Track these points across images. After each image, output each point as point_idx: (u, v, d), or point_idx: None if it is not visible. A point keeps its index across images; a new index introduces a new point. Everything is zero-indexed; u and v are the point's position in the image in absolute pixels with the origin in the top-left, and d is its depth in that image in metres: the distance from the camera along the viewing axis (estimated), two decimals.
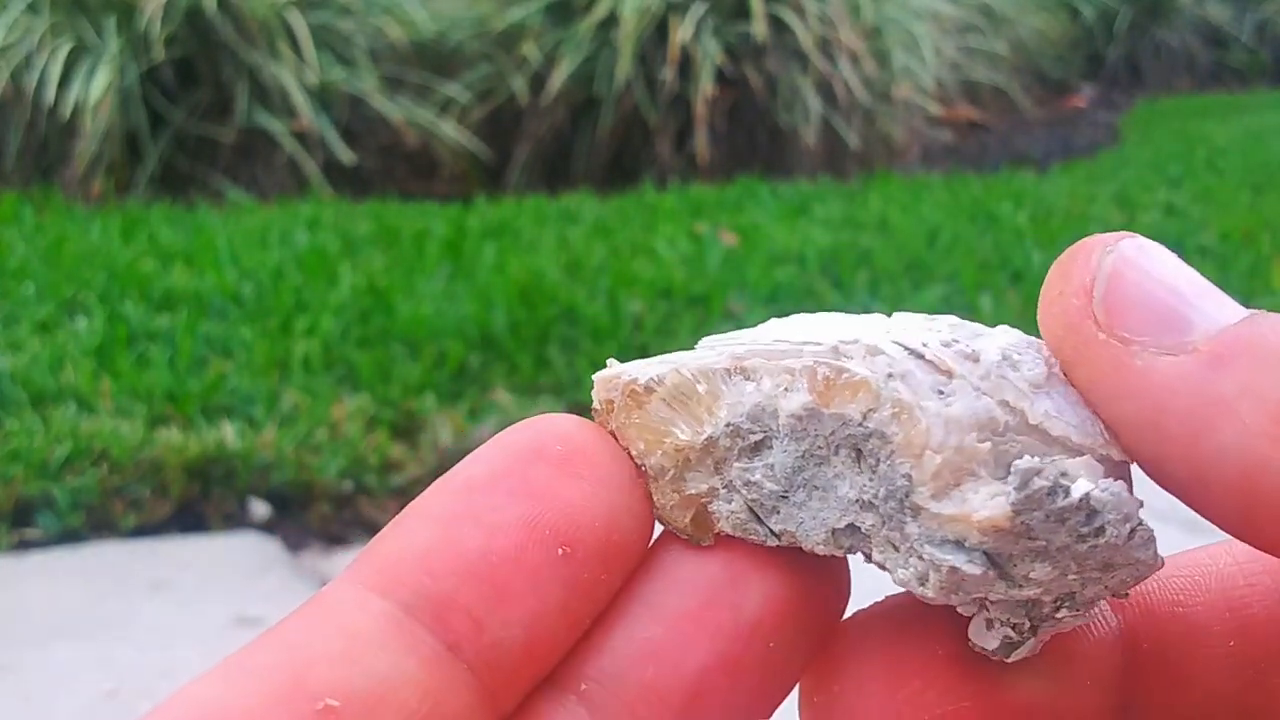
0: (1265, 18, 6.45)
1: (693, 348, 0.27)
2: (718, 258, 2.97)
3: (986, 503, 0.24)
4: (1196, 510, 0.24)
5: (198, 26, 3.82)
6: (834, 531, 0.25)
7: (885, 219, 3.37)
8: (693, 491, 0.26)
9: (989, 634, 0.26)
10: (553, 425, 0.26)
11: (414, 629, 0.24)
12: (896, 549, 0.25)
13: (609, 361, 0.27)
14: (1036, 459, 0.24)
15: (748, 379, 0.26)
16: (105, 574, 1.85)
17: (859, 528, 0.25)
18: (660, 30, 4.06)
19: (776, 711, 0.26)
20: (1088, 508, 0.24)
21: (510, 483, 0.25)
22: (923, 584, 0.25)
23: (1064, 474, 0.24)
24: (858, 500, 0.25)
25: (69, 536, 1.93)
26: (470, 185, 4.11)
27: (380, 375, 2.33)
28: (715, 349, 0.27)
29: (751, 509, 0.26)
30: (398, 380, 2.31)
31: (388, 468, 2.07)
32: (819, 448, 0.25)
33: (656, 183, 4.00)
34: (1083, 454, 0.24)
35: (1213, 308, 0.24)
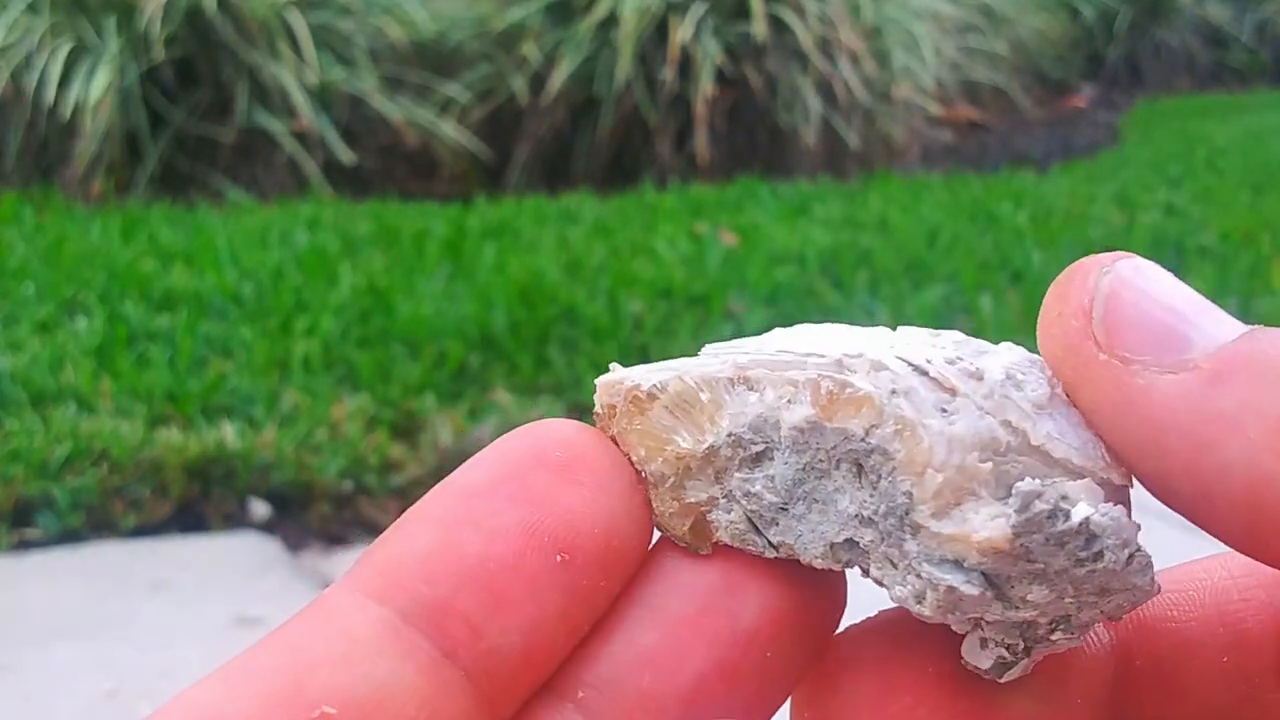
0: (1265, 18, 6.45)
1: (696, 354, 0.27)
2: (718, 258, 2.97)
3: (987, 524, 0.24)
4: (1202, 527, 0.24)
5: (198, 26, 3.82)
6: (832, 546, 0.25)
7: (885, 219, 3.37)
8: (692, 500, 0.26)
9: (982, 653, 0.26)
10: (553, 430, 0.26)
11: (411, 635, 0.24)
12: (894, 566, 0.25)
13: (611, 366, 0.27)
14: (1037, 481, 0.24)
15: (751, 389, 0.26)
16: (105, 574, 1.85)
17: (857, 543, 0.25)
18: (660, 30, 4.06)
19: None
20: (1087, 532, 0.24)
21: (509, 489, 0.25)
22: (919, 602, 0.25)
23: (1064, 497, 0.24)
24: (857, 516, 0.25)
25: (69, 536, 1.93)
26: (470, 185, 4.11)
27: (380, 375, 2.33)
28: (719, 357, 0.26)
29: (750, 520, 0.26)
30: (398, 380, 2.31)
31: (388, 468, 2.07)
32: (820, 461, 0.25)
33: (656, 183, 4.00)
34: (1084, 477, 0.24)
35: (1211, 325, 0.24)
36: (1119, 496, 0.25)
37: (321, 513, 2.01)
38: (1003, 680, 0.26)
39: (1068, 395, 0.25)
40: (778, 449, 0.25)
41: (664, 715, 0.25)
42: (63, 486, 1.97)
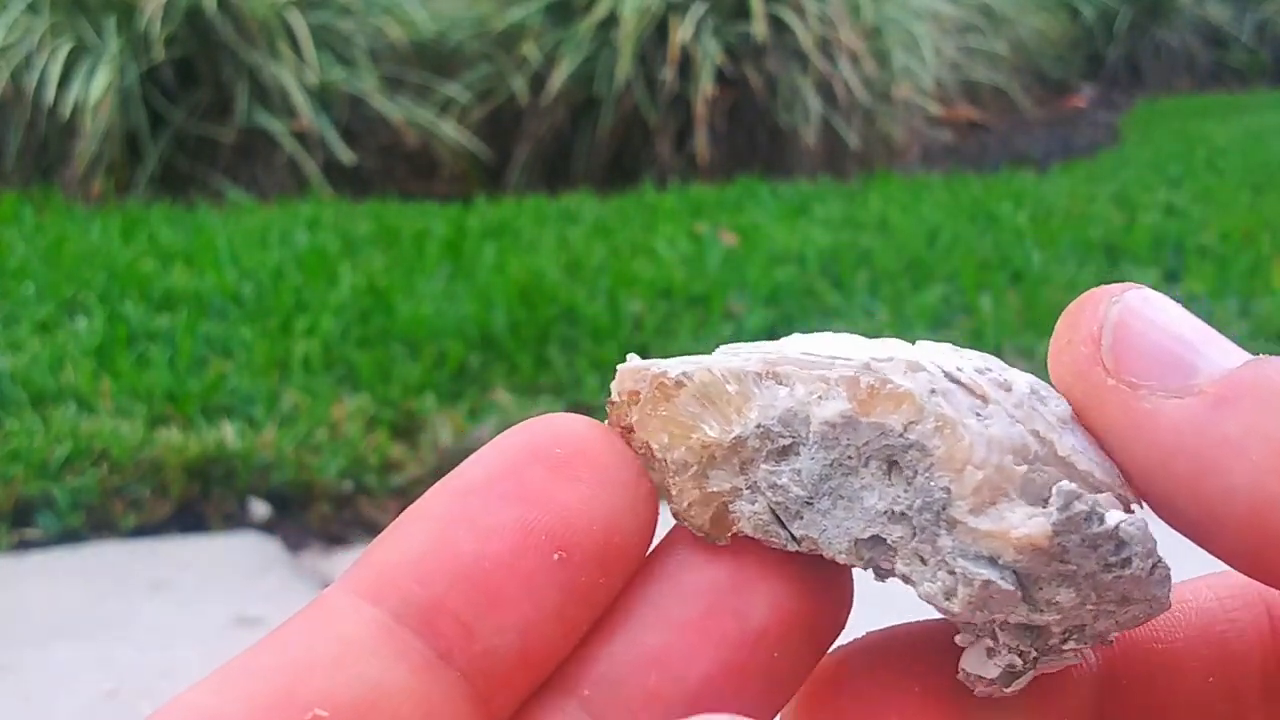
0: (1265, 18, 6.45)
1: (699, 354, 0.27)
2: (718, 258, 2.97)
3: (1025, 521, 0.24)
4: (1206, 548, 0.25)
5: (198, 26, 3.82)
6: (857, 542, 0.25)
7: (885, 219, 3.37)
8: (715, 489, 0.26)
9: (989, 662, 0.26)
10: (551, 426, 0.26)
11: (404, 636, 0.24)
12: (924, 562, 0.25)
13: (629, 356, 0.27)
14: (1075, 484, 0.24)
15: (780, 383, 0.26)
16: (105, 574, 1.85)
17: (884, 539, 0.25)
18: (660, 30, 4.06)
19: None
20: (1117, 538, 0.24)
21: (506, 486, 0.25)
22: (949, 599, 0.25)
23: (1098, 503, 0.24)
24: (886, 512, 0.25)
25: (69, 536, 1.93)
26: (470, 185, 4.11)
27: (380, 375, 2.33)
28: (740, 355, 0.26)
29: (774, 512, 0.26)
30: (398, 380, 2.31)
31: (388, 468, 2.07)
32: (849, 458, 0.25)
33: (656, 183, 4.00)
34: (1103, 491, 0.25)
35: (1217, 353, 0.25)
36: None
37: (321, 513, 2.01)
38: (1008, 690, 0.26)
39: (1078, 419, 0.26)
40: (804, 444, 0.25)
41: (669, 715, 0.25)
42: (63, 486, 1.97)
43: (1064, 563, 0.24)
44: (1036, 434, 0.25)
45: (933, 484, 0.24)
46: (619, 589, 0.25)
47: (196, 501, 2.02)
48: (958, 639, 0.26)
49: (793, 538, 0.26)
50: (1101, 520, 0.24)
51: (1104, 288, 0.26)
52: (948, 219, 3.36)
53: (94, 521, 1.96)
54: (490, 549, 0.24)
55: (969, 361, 0.26)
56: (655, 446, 0.26)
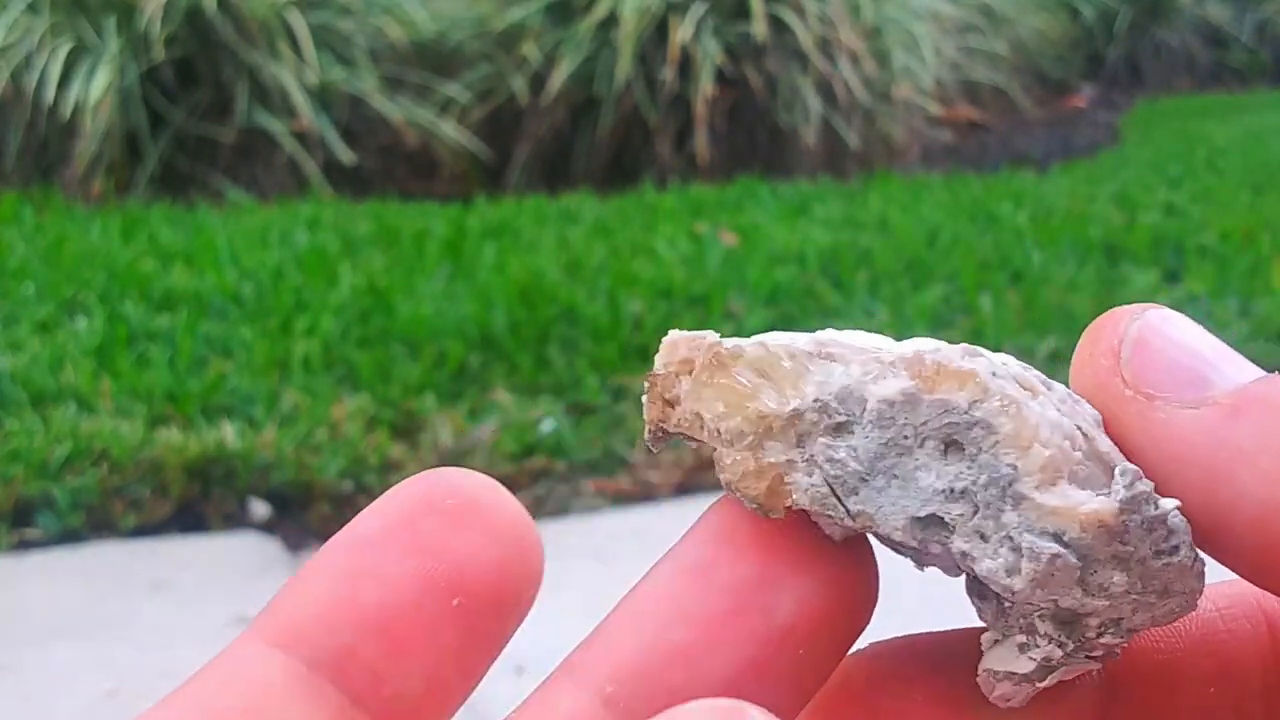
0: (1265, 18, 6.45)
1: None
2: (718, 258, 2.97)
3: (1092, 499, 0.24)
4: (1215, 558, 0.25)
5: (198, 26, 3.82)
6: (912, 520, 0.25)
7: (885, 219, 3.37)
8: (771, 460, 0.26)
9: (1020, 658, 0.26)
10: (444, 478, 0.26)
11: (318, 683, 0.24)
12: (985, 539, 0.25)
13: (670, 332, 0.27)
14: (1135, 466, 0.25)
15: (834, 361, 0.26)
16: (105, 574, 1.85)
17: (942, 518, 0.25)
18: (660, 30, 4.06)
19: None
20: (1168, 525, 0.25)
21: (404, 536, 0.25)
22: (1010, 575, 0.25)
23: (1154, 488, 0.25)
24: (945, 490, 0.25)
25: (69, 536, 1.93)
26: (470, 185, 4.11)
27: (380, 375, 2.33)
28: (784, 337, 0.27)
29: (831, 486, 0.26)
30: (398, 380, 2.31)
31: (388, 468, 2.07)
32: (905, 437, 0.25)
33: (656, 183, 4.00)
34: None
35: (1233, 369, 0.26)
36: None
37: (321, 513, 2.01)
38: (1041, 685, 0.26)
39: None
40: (858, 423, 0.25)
41: None
42: (63, 486, 1.97)
43: (1123, 544, 0.24)
44: (1080, 429, 0.25)
45: (999, 461, 0.25)
46: (512, 633, 0.26)
47: (196, 501, 2.02)
48: (984, 637, 0.26)
49: (849, 513, 0.26)
50: (1157, 505, 0.25)
51: (1127, 306, 0.27)
52: (948, 219, 3.36)
53: (94, 521, 1.96)
54: (393, 598, 0.25)
55: (1003, 363, 0.26)
56: (708, 416, 0.26)
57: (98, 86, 3.65)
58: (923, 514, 0.25)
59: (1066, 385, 0.27)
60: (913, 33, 4.40)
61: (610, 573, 1.74)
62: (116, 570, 1.86)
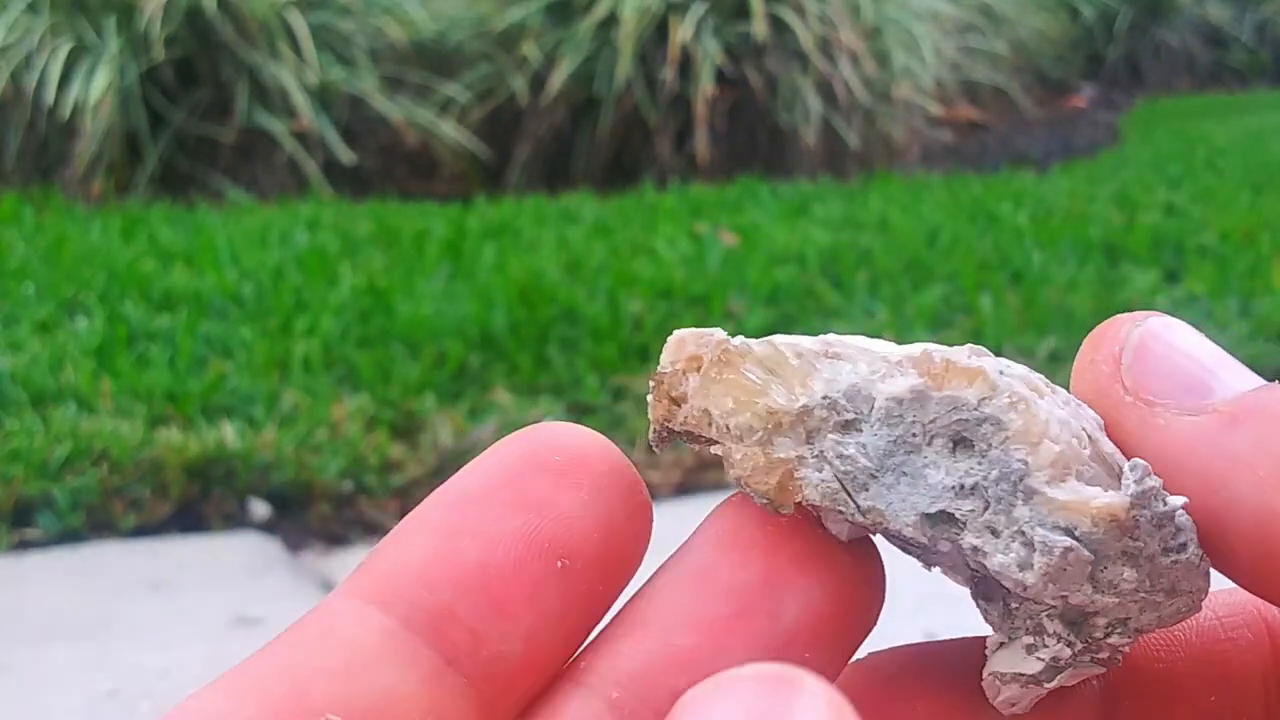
0: (1265, 18, 6.45)
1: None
2: (718, 258, 2.97)
3: (1103, 493, 0.24)
4: (1214, 565, 0.25)
5: (198, 26, 3.82)
6: (924, 516, 0.25)
7: (885, 219, 3.37)
8: (781, 455, 0.26)
9: (1028, 659, 0.26)
10: (549, 433, 0.26)
11: (413, 643, 0.24)
12: (996, 534, 0.25)
13: (676, 331, 0.27)
14: (1145, 461, 0.25)
15: (841, 360, 0.26)
16: (105, 574, 1.85)
17: (952, 514, 0.25)
18: (660, 30, 4.06)
19: None
20: (1176, 522, 0.25)
21: (508, 494, 0.25)
22: (1023, 569, 0.25)
23: (1162, 484, 0.25)
24: (955, 486, 0.25)
25: (69, 536, 1.93)
26: (470, 185, 4.11)
27: (380, 375, 2.33)
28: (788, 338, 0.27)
29: (841, 481, 0.26)
30: (398, 380, 2.31)
31: (388, 468, 2.07)
32: (913, 435, 0.25)
33: (656, 183, 4.00)
34: None
35: (1233, 377, 0.26)
36: None
37: (321, 513, 2.01)
38: (1049, 686, 0.26)
39: None
40: (866, 422, 0.26)
41: None
42: (63, 486, 1.97)
43: (1134, 539, 0.24)
44: (1084, 430, 0.25)
45: (1009, 456, 0.25)
46: (616, 596, 0.25)
47: (196, 501, 2.02)
48: (989, 640, 0.26)
49: (859, 509, 0.26)
50: (1165, 501, 0.25)
51: (1128, 314, 0.27)
52: (948, 219, 3.36)
53: (94, 521, 1.96)
54: (495, 557, 0.24)
55: (1011, 367, 0.26)
56: (716, 412, 0.26)
57: (98, 86, 3.65)
58: (933, 510, 0.25)
59: (1067, 389, 0.27)
60: (913, 33, 4.40)
61: None
62: (116, 570, 1.86)
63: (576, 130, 4.22)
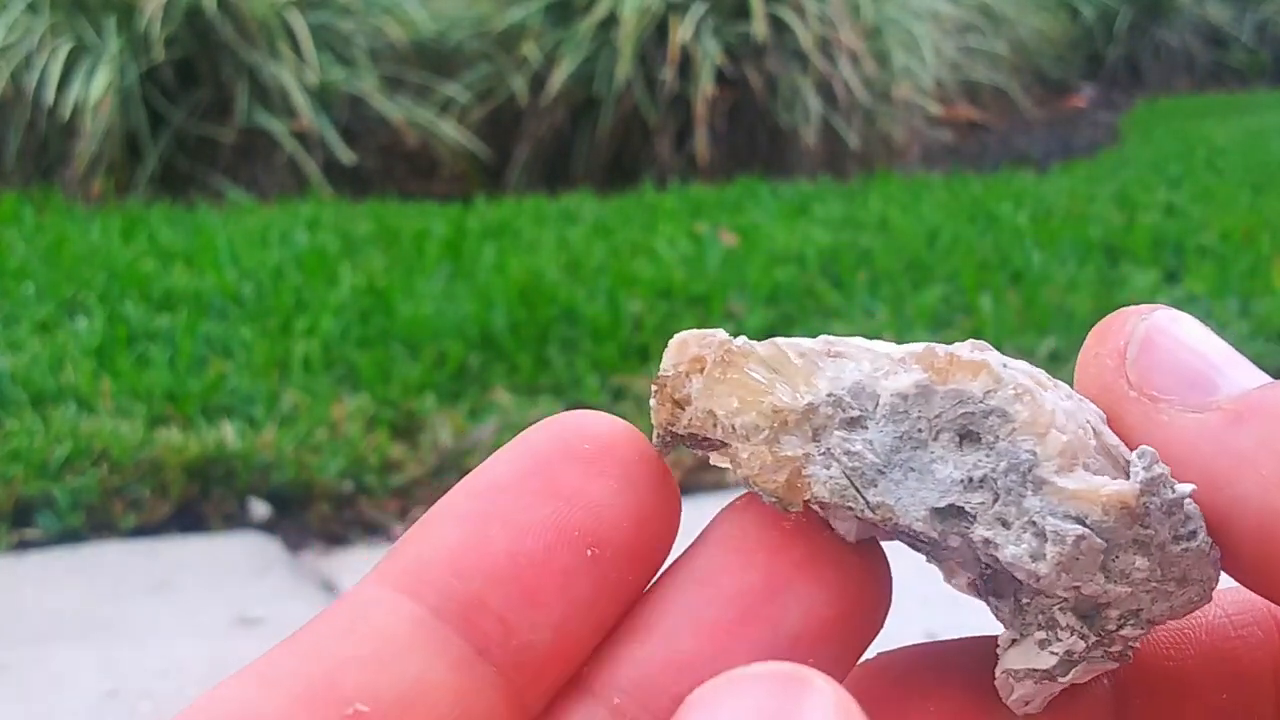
0: (1265, 18, 6.45)
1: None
2: (718, 258, 2.97)
3: (1112, 481, 0.24)
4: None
5: (198, 26, 3.82)
6: (932, 511, 0.25)
7: (885, 219, 3.37)
8: (788, 453, 0.26)
9: (1042, 654, 0.26)
10: (579, 422, 0.26)
11: (444, 632, 0.24)
12: (1007, 526, 0.25)
13: (678, 333, 0.27)
14: (1152, 449, 0.25)
15: (844, 359, 0.26)
16: (105, 574, 1.85)
17: (962, 508, 0.25)
18: (660, 30, 4.06)
19: None
20: (1185, 509, 0.25)
21: (538, 482, 0.25)
22: (1035, 560, 0.25)
23: (1170, 471, 0.25)
24: (964, 480, 0.25)
25: (69, 536, 1.93)
26: (470, 185, 4.11)
27: (380, 375, 2.33)
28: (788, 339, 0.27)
29: (850, 478, 0.26)
30: (398, 380, 2.31)
31: (388, 468, 2.07)
32: (919, 430, 0.25)
33: (656, 183, 4.00)
34: None
35: (1238, 374, 0.26)
36: None
37: (321, 513, 2.01)
38: (1064, 680, 0.26)
39: None
40: (871, 418, 0.25)
41: None
42: (63, 486, 1.97)
43: (1144, 527, 0.24)
44: (1088, 423, 0.25)
45: (1017, 448, 0.25)
46: (645, 585, 0.25)
47: (196, 501, 2.02)
48: (1001, 637, 0.26)
49: (868, 505, 0.25)
50: (1174, 488, 0.24)
51: (1135, 306, 0.27)
52: (948, 219, 3.36)
53: (94, 521, 1.96)
54: (525, 545, 0.24)
55: (1014, 361, 0.26)
56: (721, 413, 0.26)
57: (98, 86, 3.65)
58: (942, 505, 0.25)
59: (1070, 386, 0.27)
60: (913, 33, 4.40)
61: None
62: (116, 570, 1.86)
63: (576, 130, 4.22)
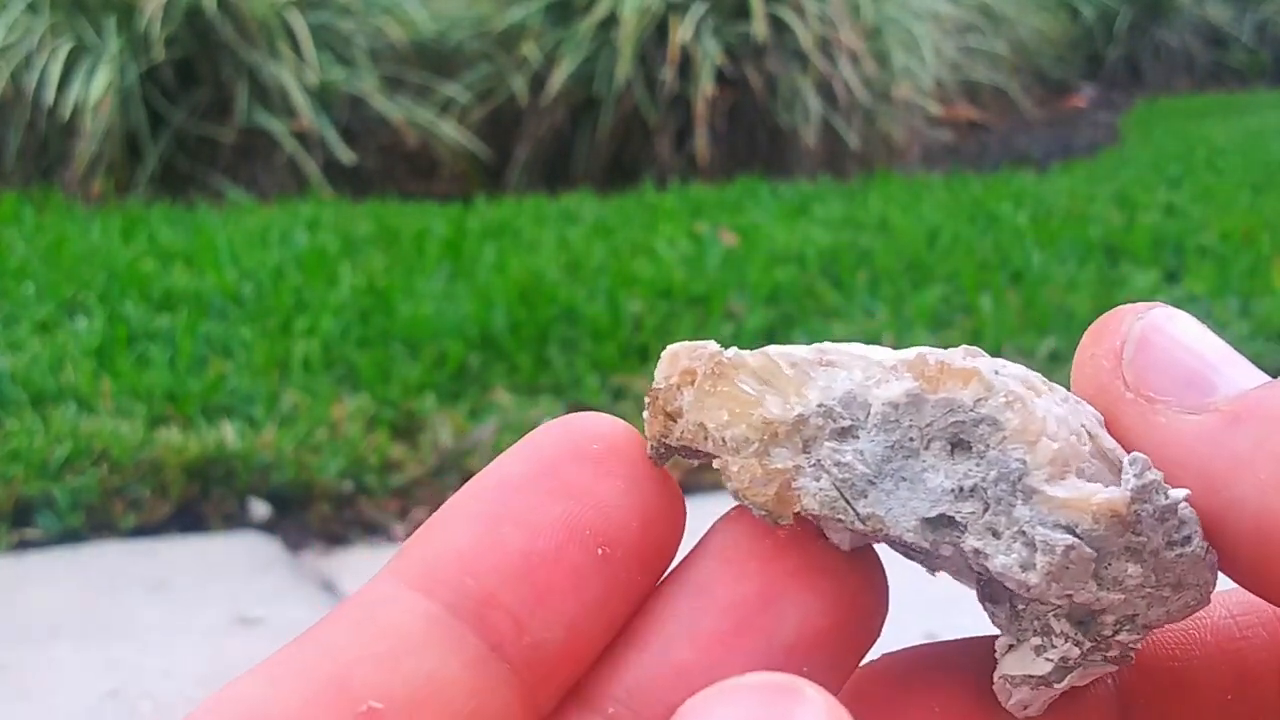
0: (1265, 18, 6.45)
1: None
2: (718, 258, 2.97)
3: (1103, 489, 0.24)
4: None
5: (198, 26, 3.82)
6: (923, 521, 0.25)
7: (885, 219, 3.37)
8: (778, 466, 0.26)
9: (1037, 660, 0.26)
10: (586, 423, 0.26)
11: (458, 629, 0.24)
12: (997, 535, 0.25)
13: (669, 346, 0.27)
14: (1144, 455, 0.25)
15: (836, 368, 0.26)
16: (105, 574, 1.85)
17: (953, 518, 0.25)
18: (660, 30, 4.06)
19: None
20: (1179, 515, 0.24)
21: (549, 482, 0.25)
22: (1025, 570, 0.24)
23: (1163, 477, 0.25)
24: (954, 489, 0.25)
25: (69, 536, 1.93)
26: (470, 185, 4.11)
27: (380, 375, 2.33)
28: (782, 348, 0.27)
29: (840, 489, 0.25)
30: (398, 380, 2.31)
31: (388, 468, 2.07)
32: (910, 439, 0.25)
33: (656, 183, 4.00)
34: None
35: (1235, 373, 0.25)
36: None
37: (321, 513, 2.01)
38: (1060, 686, 0.26)
39: None
40: (863, 428, 0.25)
41: None
42: (63, 486, 1.97)
43: (1136, 534, 0.24)
44: (1083, 427, 0.25)
45: (1007, 456, 0.24)
46: (653, 586, 0.26)
47: (196, 501, 2.02)
48: (998, 643, 0.26)
49: (859, 516, 0.25)
50: (1167, 494, 0.24)
51: (1131, 305, 0.26)
52: (948, 219, 3.36)
53: (94, 521, 1.96)
54: (537, 544, 0.24)
55: (1006, 366, 0.26)
56: (711, 425, 0.26)
57: (98, 86, 3.65)
58: (933, 514, 0.25)
59: (1067, 388, 0.26)
60: (913, 33, 4.40)
61: None
62: (116, 570, 1.86)
63: (576, 130, 4.22)
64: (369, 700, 0.23)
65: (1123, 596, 0.25)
